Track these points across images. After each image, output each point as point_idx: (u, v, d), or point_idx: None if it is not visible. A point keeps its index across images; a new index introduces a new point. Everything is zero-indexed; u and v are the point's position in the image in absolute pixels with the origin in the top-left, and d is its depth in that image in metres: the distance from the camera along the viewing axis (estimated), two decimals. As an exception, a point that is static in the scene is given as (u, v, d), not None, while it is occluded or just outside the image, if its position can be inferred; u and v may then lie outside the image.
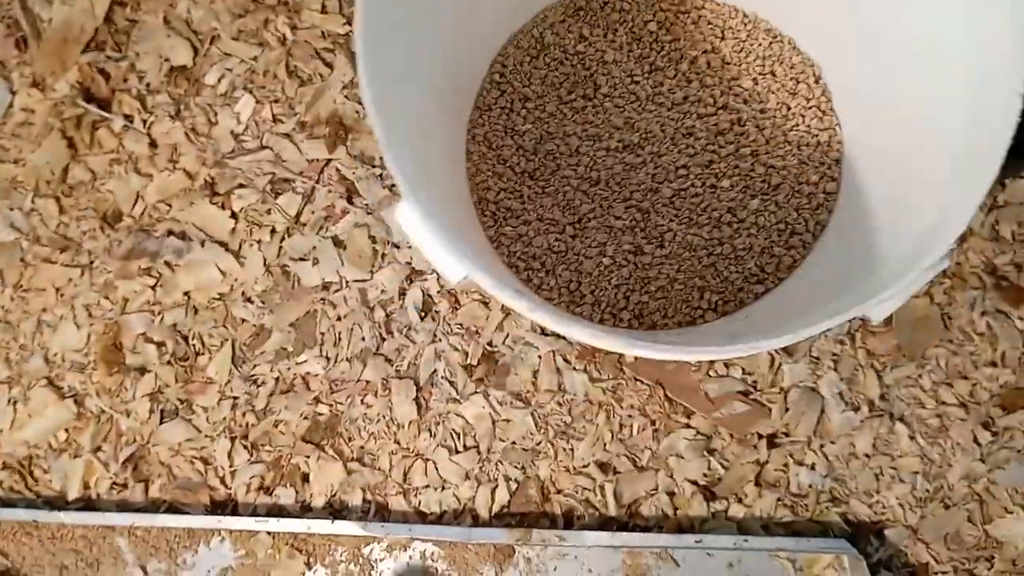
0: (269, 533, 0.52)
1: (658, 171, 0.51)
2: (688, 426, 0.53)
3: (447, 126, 0.49)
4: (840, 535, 0.51)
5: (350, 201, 0.55)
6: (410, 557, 0.52)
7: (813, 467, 0.52)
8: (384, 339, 0.54)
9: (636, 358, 0.54)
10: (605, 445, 0.53)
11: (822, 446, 0.53)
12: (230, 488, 0.53)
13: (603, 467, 0.53)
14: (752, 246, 0.49)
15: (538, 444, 0.53)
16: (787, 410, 0.53)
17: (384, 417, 0.54)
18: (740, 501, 0.52)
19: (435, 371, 0.54)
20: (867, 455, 0.52)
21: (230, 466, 0.53)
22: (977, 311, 0.53)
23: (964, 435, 0.52)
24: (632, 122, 0.52)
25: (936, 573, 0.51)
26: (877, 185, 0.44)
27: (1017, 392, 0.52)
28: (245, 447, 0.54)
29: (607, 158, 0.52)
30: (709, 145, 0.51)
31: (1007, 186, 0.53)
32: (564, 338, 0.54)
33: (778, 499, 0.52)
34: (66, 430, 0.54)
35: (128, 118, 0.56)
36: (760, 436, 0.53)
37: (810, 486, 0.52)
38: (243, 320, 0.54)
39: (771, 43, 0.52)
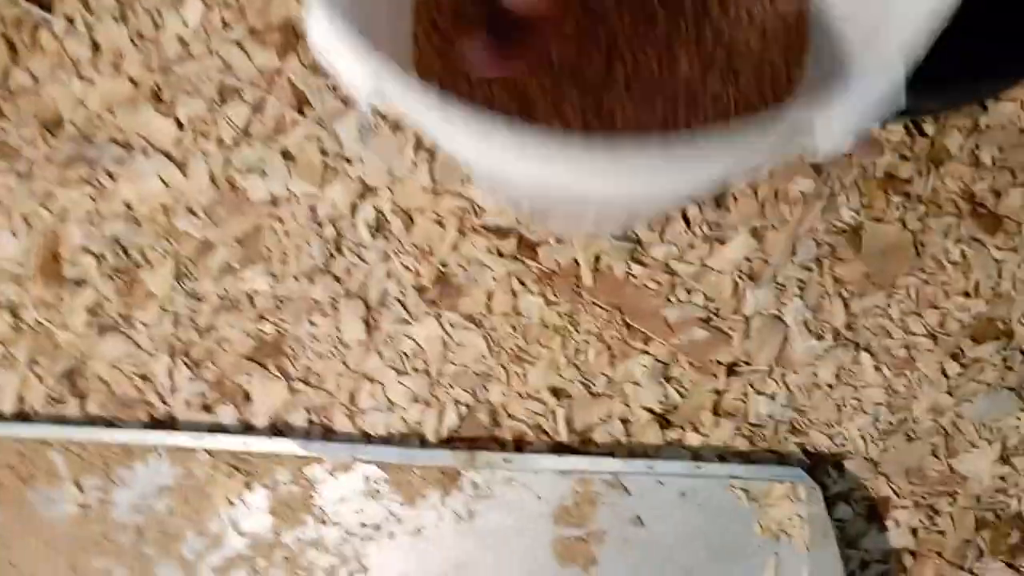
0: (207, 451, 0.50)
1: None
2: (646, 352, 0.51)
3: None
4: (798, 466, 0.49)
5: (301, 112, 0.53)
6: (353, 480, 0.51)
7: (773, 397, 0.50)
8: (333, 257, 0.52)
9: (596, 284, 0.51)
10: (559, 370, 0.51)
11: (784, 375, 0.51)
12: (169, 406, 0.52)
13: (556, 393, 0.51)
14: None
15: (490, 368, 0.51)
16: (749, 338, 0.51)
17: (331, 337, 0.52)
18: (696, 430, 0.50)
19: (386, 291, 0.52)
20: (830, 385, 0.50)
21: (170, 383, 0.52)
22: (952, 239, 0.50)
23: (931, 367, 0.50)
24: None
25: (896, 507, 0.49)
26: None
27: (989, 323, 0.50)
28: (186, 364, 0.52)
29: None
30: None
31: (988, 109, 0.51)
32: (521, 260, 0.52)
33: (736, 428, 0.50)
34: (1, 342, 0.52)
35: (70, 20, 0.53)
36: (720, 364, 0.51)
37: (769, 416, 0.50)
38: (187, 233, 0.52)
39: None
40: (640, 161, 0.22)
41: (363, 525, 0.50)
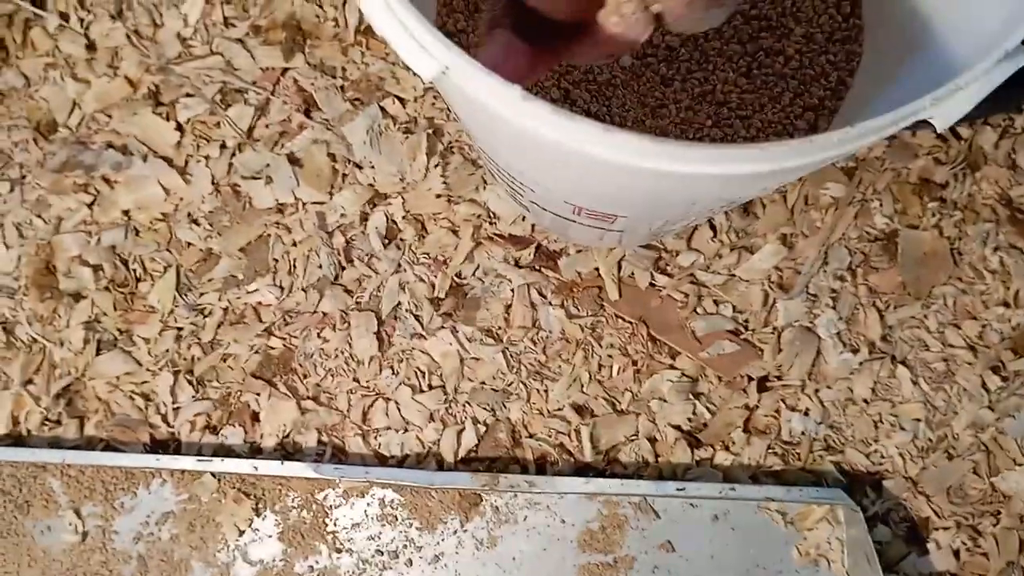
0: (214, 475, 0.48)
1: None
2: (672, 367, 0.49)
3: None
4: (834, 486, 0.47)
5: (308, 115, 0.50)
6: (368, 504, 0.48)
7: (807, 413, 0.48)
8: (343, 268, 0.50)
9: (620, 295, 0.49)
10: (582, 387, 0.49)
11: (817, 391, 0.48)
12: (173, 427, 0.49)
13: (579, 410, 0.49)
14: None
15: (509, 384, 0.49)
16: (780, 351, 0.49)
17: (342, 353, 0.49)
18: (727, 448, 0.48)
19: (399, 304, 0.49)
20: (866, 401, 0.48)
21: (173, 403, 0.49)
22: (990, 246, 0.48)
23: (971, 380, 0.48)
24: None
25: (937, 528, 0.47)
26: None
27: (1030, 335, 0.48)
28: (190, 382, 0.49)
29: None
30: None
31: (1026, 111, 0.49)
32: (540, 271, 0.49)
33: (768, 447, 0.48)
34: (-8, 360, 0.49)
35: (64, 16, 0.50)
36: (750, 379, 0.49)
37: (803, 433, 0.48)
38: (188, 244, 0.50)
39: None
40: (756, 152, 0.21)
41: (379, 552, 0.48)
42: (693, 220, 0.39)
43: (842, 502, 0.45)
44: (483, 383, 0.49)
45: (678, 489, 0.46)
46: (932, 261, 0.48)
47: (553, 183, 0.30)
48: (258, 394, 0.49)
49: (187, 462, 0.47)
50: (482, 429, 0.49)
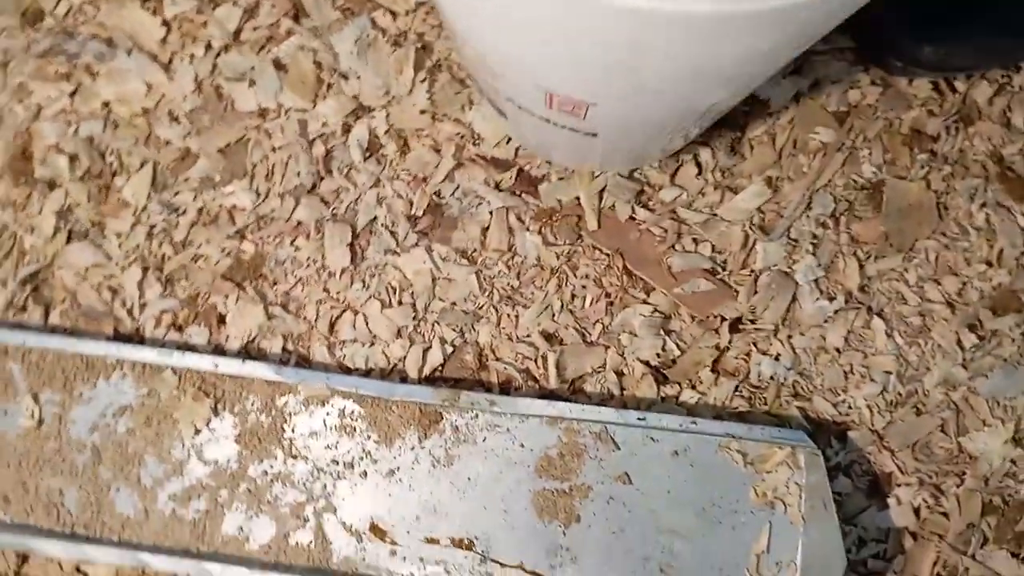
0: (174, 371, 0.47)
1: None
2: (646, 302, 0.48)
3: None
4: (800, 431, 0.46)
5: (296, 20, 0.50)
6: (327, 414, 0.48)
7: (777, 358, 0.48)
8: (322, 177, 0.49)
9: (599, 226, 0.48)
10: (553, 315, 0.48)
11: (790, 336, 0.48)
12: (138, 321, 0.49)
13: (548, 338, 0.48)
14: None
15: (480, 307, 0.48)
16: (756, 294, 0.48)
17: (314, 262, 0.49)
18: (693, 387, 0.48)
19: (375, 218, 0.49)
20: (838, 350, 0.47)
21: (140, 298, 0.49)
22: (977, 203, 0.47)
23: (947, 337, 0.47)
24: None
25: (899, 484, 0.47)
26: None
27: (1011, 295, 0.47)
28: (159, 280, 0.49)
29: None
30: None
31: (1022, 69, 0.48)
32: (520, 195, 0.49)
33: (735, 389, 0.47)
34: (-38, 241, 0.49)
35: (58, -97, 0.50)
36: (723, 319, 0.48)
37: (771, 378, 0.47)
38: (167, 141, 0.49)
39: None
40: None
41: (335, 462, 0.47)
42: (676, 130, 0.38)
43: (804, 445, 0.45)
44: (454, 304, 0.48)
45: (639, 419, 0.45)
46: (917, 214, 0.47)
47: (520, 56, 0.29)
48: (226, 296, 0.48)
49: (149, 354, 0.46)
50: (449, 349, 0.48)
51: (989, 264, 0.47)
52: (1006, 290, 0.47)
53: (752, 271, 0.48)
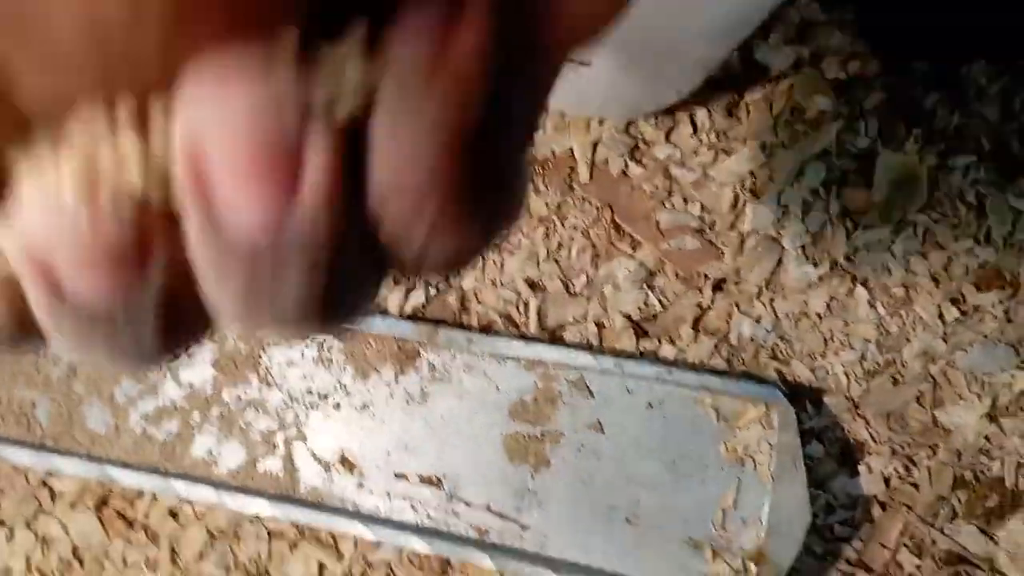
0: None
1: None
2: (631, 256, 0.48)
3: None
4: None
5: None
6: (306, 346, 0.48)
7: (759, 320, 0.48)
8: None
9: (590, 178, 0.49)
10: (538, 263, 0.48)
11: (772, 300, 0.48)
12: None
13: (532, 285, 0.48)
14: None
15: (466, 250, 0.48)
16: (741, 255, 0.48)
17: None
18: (673, 343, 0.48)
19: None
20: (819, 316, 0.47)
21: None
22: (969, 180, 0.47)
23: (929, 310, 0.47)
24: None
25: (871, 453, 0.46)
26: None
27: (996, 273, 0.47)
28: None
29: None
30: None
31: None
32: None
33: (715, 347, 0.47)
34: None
35: None
36: (707, 278, 0.48)
37: (751, 339, 0.47)
38: None
39: None
40: None
41: (309, 392, 0.47)
42: (668, 62, 0.38)
43: (777, 402, 0.44)
44: (440, 245, 0.48)
45: (616, 366, 0.45)
46: (908, 187, 0.48)
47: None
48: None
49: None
50: (432, 292, 0.48)
51: (977, 242, 0.47)
52: (991, 268, 0.47)
53: (740, 233, 0.48)
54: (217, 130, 0.09)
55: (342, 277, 0.10)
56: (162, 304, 0.10)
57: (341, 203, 0.09)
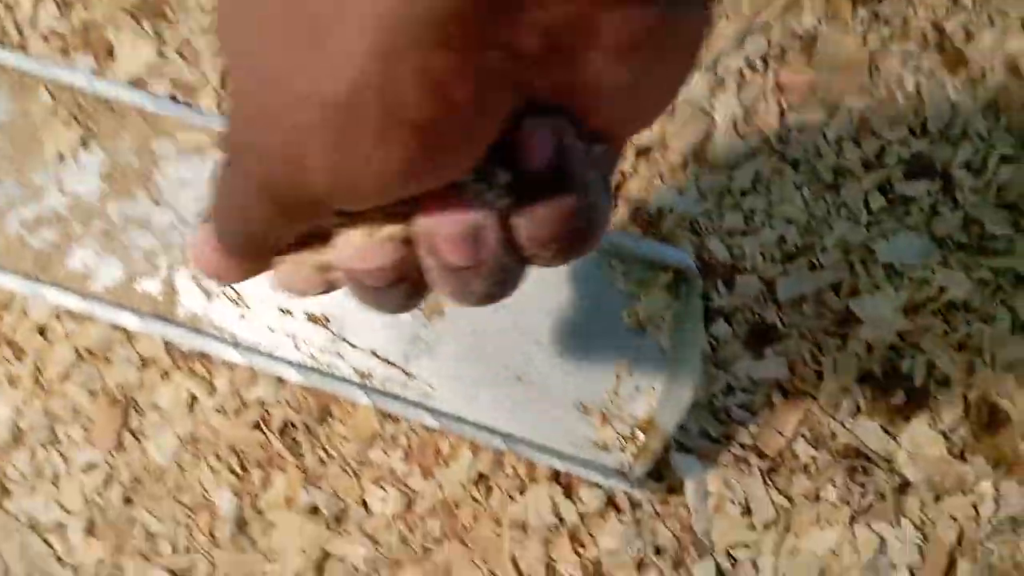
0: (50, 93, 0.45)
1: None
2: (556, 114, 0.46)
3: None
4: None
5: None
6: (201, 164, 0.45)
7: (681, 192, 0.46)
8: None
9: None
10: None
11: (697, 173, 0.46)
12: (25, 38, 0.46)
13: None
14: None
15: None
16: (670, 122, 0.46)
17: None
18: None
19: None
20: (743, 192, 0.45)
21: (32, 15, 0.46)
22: (910, 68, 0.46)
23: (856, 197, 0.45)
24: None
25: (779, 337, 0.44)
26: None
27: (928, 164, 0.45)
28: (55, 1, 0.46)
29: None
30: None
31: (984, -55, 0.46)
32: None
33: (632, 215, 0.45)
34: None
35: None
36: (631, 143, 0.46)
37: (671, 210, 0.45)
38: None
39: None
40: None
41: (199, 216, 0.45)
42: None
43: (687, 272, 0.42)
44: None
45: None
46: (848, 70, 0.46)
47: None
48: (120, 29, 0.46)
49: (26, 63, 0.43)
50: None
51: (913, 133, 0.45)
52: (924, 158, 0.45)
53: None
54: (441, 228, 0.17)
55: (504, 278, 0.19)
56: (408, 285, 0.19)
57: (501, 248, 0.18)
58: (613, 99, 0.17)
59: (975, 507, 0.42)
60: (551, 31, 0.14)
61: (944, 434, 0.43)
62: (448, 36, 0.13)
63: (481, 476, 0.44)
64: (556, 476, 0.43)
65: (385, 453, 0.44)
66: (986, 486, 0.42)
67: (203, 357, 0.44)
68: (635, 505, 0.44)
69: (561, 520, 0.43)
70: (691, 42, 0.16)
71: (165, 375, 0.45)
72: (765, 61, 0.46)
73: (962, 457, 0.43)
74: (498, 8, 0.13)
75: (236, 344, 0.43)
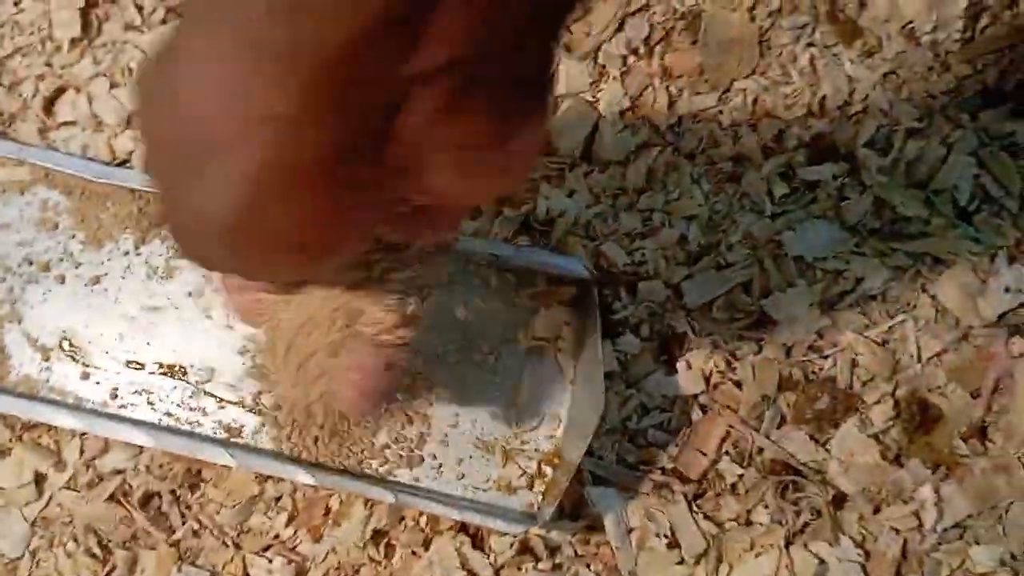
0: None
1: None
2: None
3: None
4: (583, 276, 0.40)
5: None
6: (26, 204, 0.40)
7: (571, 194, 0.41)
8: (63, -64, 0.41)
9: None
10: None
11: (587, 173, 0.42)
12: None
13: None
14: None
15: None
16: (553, 121, 0.42)
17: (39, 29, 0.41)
18: (473, 218, 0.41)
19: (121, -11, 0.41)
20: (638, 191, 0.42)
21: None
22: (803, 43, 0.43)
23: (757, 186, 0.42)
24: None
25: (691, 348, 0.40)
26: None
27: (831, 146, 0.42)
28: None
29: None
30: None
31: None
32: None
33: (522, 223, 0.41)
34: None
35: None
36: (513, 146, 0.41)
37: (562, 215, 0.41)
38: None
39: None
40: None
41: (28, 262, 0.39)
42: None
43: (583, 284, 0.38)
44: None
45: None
46: (737, 49, 0.42)
47: None
48: (-78, 57, 0.40)
49: None
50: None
51: (811, 113, 0.42)
52: (827, 140, 0.42)
53: (553, 96, 0.42)
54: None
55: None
56: None
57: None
58: (455, 198, 0.19)
59: (917, 515, 0.39)
60: (403, 161, 0.16)
61: (876, 437, 0.39)
62: (310, 183, 0.16)
63: (377, 533, 0.39)
64: (463, 525, 0.38)
65: (267, 517, 0.39)
66: (926, 491, 0.39)
67: (48, 426, 0.39)
68: (553, 549, 0.39)
69: (472, 575, 0.38)
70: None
71: (5, 452, 0.39)
72: (648, 44, 0.42)
73: (897, 461, 0.39)
74: (354, 157, 0.16)
75: (79, 408, 0.38)
